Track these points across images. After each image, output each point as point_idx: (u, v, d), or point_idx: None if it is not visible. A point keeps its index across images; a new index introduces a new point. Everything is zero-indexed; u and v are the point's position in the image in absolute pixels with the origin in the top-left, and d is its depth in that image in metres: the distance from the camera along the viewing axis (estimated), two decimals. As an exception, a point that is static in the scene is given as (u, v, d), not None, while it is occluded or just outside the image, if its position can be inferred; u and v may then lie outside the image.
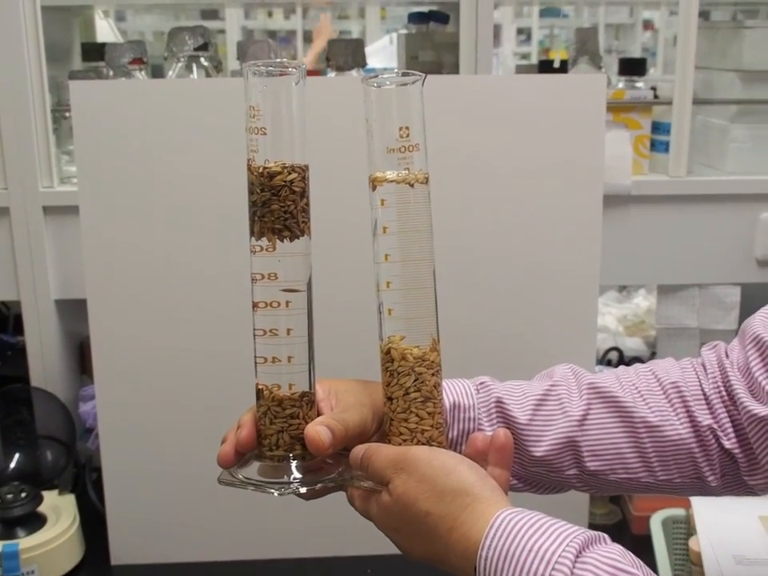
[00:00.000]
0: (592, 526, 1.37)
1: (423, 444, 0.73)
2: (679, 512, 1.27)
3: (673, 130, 1.48)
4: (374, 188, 0.71)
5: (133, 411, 1.32)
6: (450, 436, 0.81)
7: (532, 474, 0.84)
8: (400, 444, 0.73)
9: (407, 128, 0.69)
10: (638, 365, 0.87)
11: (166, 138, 1.25)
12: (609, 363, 1.76)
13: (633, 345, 1.87)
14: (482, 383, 0.84)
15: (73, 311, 1.52)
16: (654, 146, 1.54)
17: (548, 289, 1.30)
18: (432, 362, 0.72)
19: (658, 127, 1.53)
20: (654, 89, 1.55)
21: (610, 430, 0.81)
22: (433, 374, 0.73)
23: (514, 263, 1.29)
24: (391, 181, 0.70)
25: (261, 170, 0.70)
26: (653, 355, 1.72)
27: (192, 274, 1.29)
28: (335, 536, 1.33)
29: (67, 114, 1.44)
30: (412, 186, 0.70)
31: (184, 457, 1.32)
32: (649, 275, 1.57)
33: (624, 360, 1.76)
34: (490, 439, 0.74)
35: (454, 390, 0.83)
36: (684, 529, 1.26)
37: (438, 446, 0.73)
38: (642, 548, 1.35)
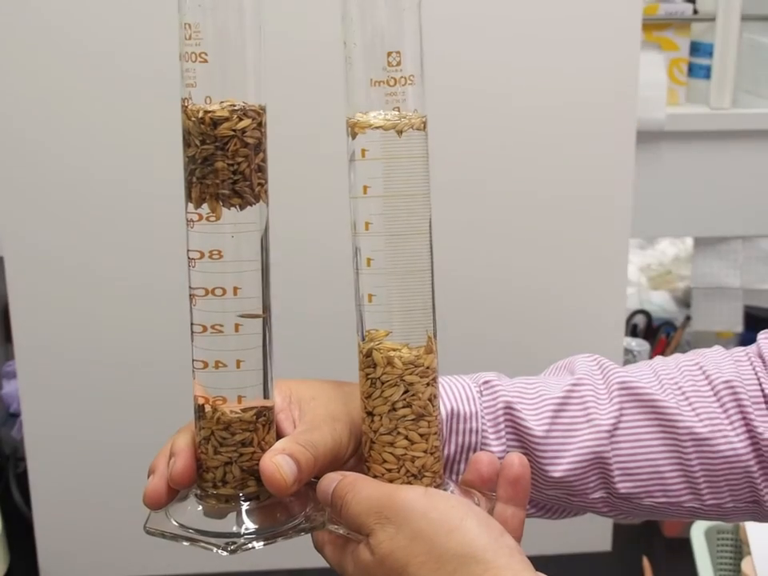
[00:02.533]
0: (616, 527, 1.34)
1: (413, 475, 0.64)
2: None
3: (716, 52, 1.44)
4: (353, 135, 0.62)
5: (64, 391, 1.24)
6: (445, 452, 0.72)
7: (547, 498, 0.76)
8: (383, 474, 0.63)
9: (398, 53, 0.60)
10: (678, 356, 0.78)
11: (80, 53, 1.13)
12: (634, 331, 1.67)
13: (659, 300, 1.81)
14: (486, 383, 0.75)
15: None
16: (693, 71, 1.49)
17: (570, 245, 1.24)
18: (427, 367, 0.63)
19: (697, 48, 1.48)
20: (692, 1, 1.48)
21: (647, 444, 0.73)
22: (428, 384, 0.63)
23: (527, 219, 1.23)
24: (377, 127, 0.61)
25: (201, 115, 0.59)
26: (687, 320, 1.66)
27: (134, 228, 1.19)
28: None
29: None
30: (400, 133, 0.61)
31: (128, 448, 1.22)
32: (684, 226, 1.53)
33: (652, 326, 1.68)
34: (498, 464, 0.66)
35: (452, 393, 0.74)
36: (731, 542, 1.18)
37: (431, 477, 0.64)
38: (676, 554, 1.31)
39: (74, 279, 1.21)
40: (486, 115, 1.19)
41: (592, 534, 1.32)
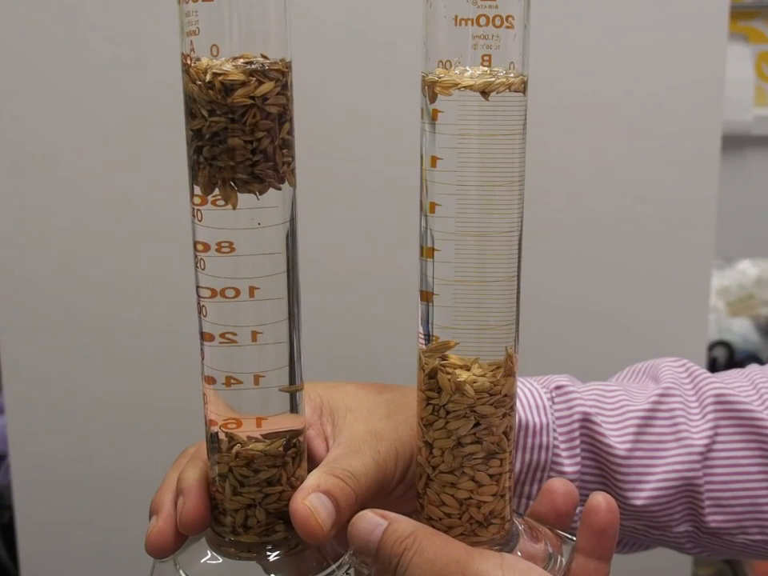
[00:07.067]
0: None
1: (478, 523, 0.56)
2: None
3: (811, 45, 1.47)
4: (431, 97, 0.52)
5: (57, 432, 1.19)
6: None
7: (623, 530, 0.71)
8: (440, 519, 0.56)
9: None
10: None
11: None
12: (714, 365, 1.62)
13: (740, 329, 1.77)
14: (558, 388, 0.72)
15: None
16: (785, 66, 1.50)
17: (644, 266, 1.19)
18: (505, 395, 0.55)
19: (790, 40, 1.49)
20: (784, -15, 1.50)
21: (744, 470, 0.70)
22: (504, 415, 0.56)
23: (601, 232, 1.18)
24: (464, 86, 0.51)
25: (209, 78, 0.51)
26: (776, 354, 1.65)
27: (129, 243, 1.13)
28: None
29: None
30: (486, 95, 0.51)
31: (132, 495, 1.13)
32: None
33: (735, 359, 1.64)
34: (575, 494, 0.61)
35: (519, 400, 0.70)
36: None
37: (499, 525, 0.57)
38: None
39: (68, 309, 1.16)
40: (551, 125, 1.15)
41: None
